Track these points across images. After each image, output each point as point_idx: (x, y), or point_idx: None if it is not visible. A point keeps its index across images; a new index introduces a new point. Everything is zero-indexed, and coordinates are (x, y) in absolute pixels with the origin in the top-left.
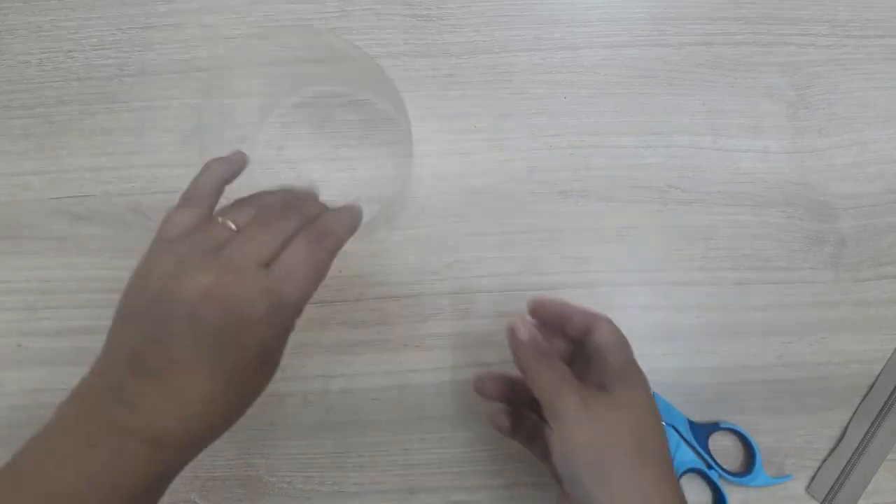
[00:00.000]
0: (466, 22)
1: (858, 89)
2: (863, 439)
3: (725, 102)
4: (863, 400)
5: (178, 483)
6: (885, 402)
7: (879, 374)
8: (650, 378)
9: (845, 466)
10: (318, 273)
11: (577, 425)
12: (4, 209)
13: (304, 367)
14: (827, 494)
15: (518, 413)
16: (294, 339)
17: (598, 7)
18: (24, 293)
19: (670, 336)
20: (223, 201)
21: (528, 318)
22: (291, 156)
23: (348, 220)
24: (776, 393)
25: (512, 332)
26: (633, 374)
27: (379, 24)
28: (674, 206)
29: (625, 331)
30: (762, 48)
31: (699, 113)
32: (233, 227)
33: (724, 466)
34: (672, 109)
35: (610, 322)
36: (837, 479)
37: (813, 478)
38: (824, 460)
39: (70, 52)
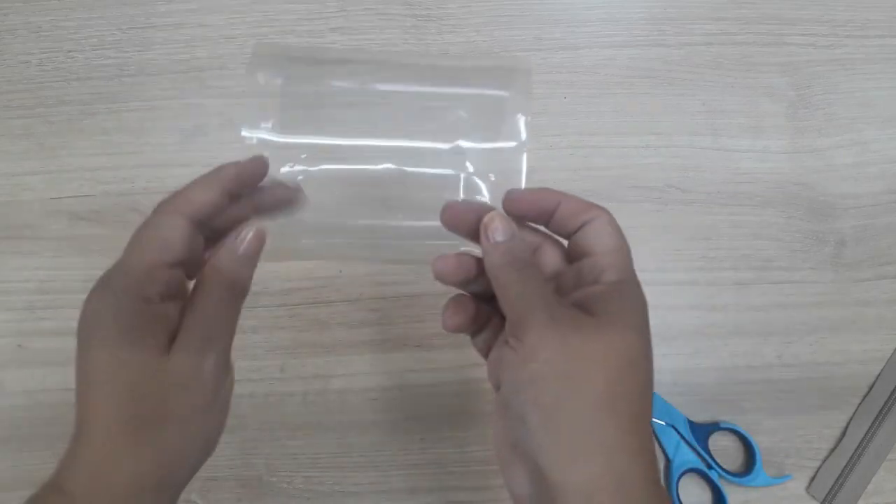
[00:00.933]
0: (466, 22)
1: (858, 89)
2: (863, 439)
3: (725, 102)
4: (863, 400)
5: None
6: (885, 402)
7: (879, 374)
8: None
9: (845, 466)
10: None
11: (539, 352)
12: (4, 209)
13: (304, 367)
14: (827, 494)
15: (481, 310)
16: (294, 338)
17: (598, 7)
18: (24, 293)
19: (670, 336)
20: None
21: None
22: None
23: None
24: (776, 393)
25: (485, 231)
26: (627, 293)
27: (379, 24)
28: (674, 206)
29: None
30: (762, 48)
31: (699, 113)
32: None
33: (724, 466)
34: (672, 109)
35: (607, 216)
36: (837, 479)
37: (813, 478)
38: (824, 460)
39: (70, 52)
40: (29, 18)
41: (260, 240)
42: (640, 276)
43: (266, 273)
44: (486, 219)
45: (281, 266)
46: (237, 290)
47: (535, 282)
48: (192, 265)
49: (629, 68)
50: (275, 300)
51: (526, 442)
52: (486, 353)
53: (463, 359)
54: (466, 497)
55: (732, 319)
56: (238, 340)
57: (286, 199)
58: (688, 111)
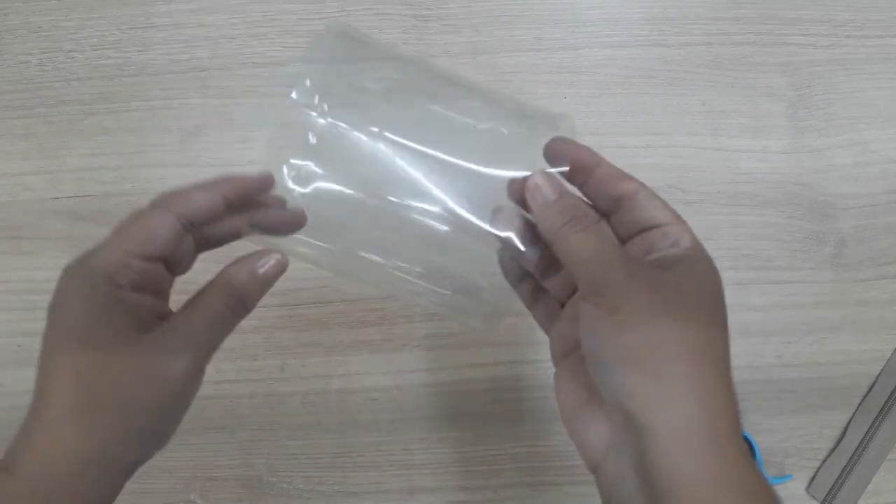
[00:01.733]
0: (466, 22)
1: (858, 89)
2: (863, 439)
3: (725, 102)
4: (863, 400)
5: (178, 483)
6: (885, 402)
7: (879, 375)
8: None
9: (845, 466)
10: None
11: (624, 304)
12: (4, 209)
13: (304, 367)
14: (827, 494)
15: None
16: (294, 338)
17: (598, 7)
18: (24, 293)
19: None
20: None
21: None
22: None
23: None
24: (776, 393)
25: (533, 191)
26: (704, 258)
27: (379, 24)
28: (674, 205)
29: None
30: (762, 48)
31: (699, 113)
32: None
33: None
34: (672, 109)
35: (649, 189)
36: (837, 479)
37: (813, 478)
38: (824, 460)
39: (70, 52)
40: (29, 18)
41: (281, 268)
42: None
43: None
44: (529, 182)
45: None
46: (241, 308)
47: (603, 237)
48: (176, 264)
49: (629, 68)
50: (275, 300)
51: (614, 388)
52: (549, 327)
53: (463, 359)
54: (466, 497)
55: (732, 319)
56: (238, 340)
57: (286, 222)
58: (688, 111)
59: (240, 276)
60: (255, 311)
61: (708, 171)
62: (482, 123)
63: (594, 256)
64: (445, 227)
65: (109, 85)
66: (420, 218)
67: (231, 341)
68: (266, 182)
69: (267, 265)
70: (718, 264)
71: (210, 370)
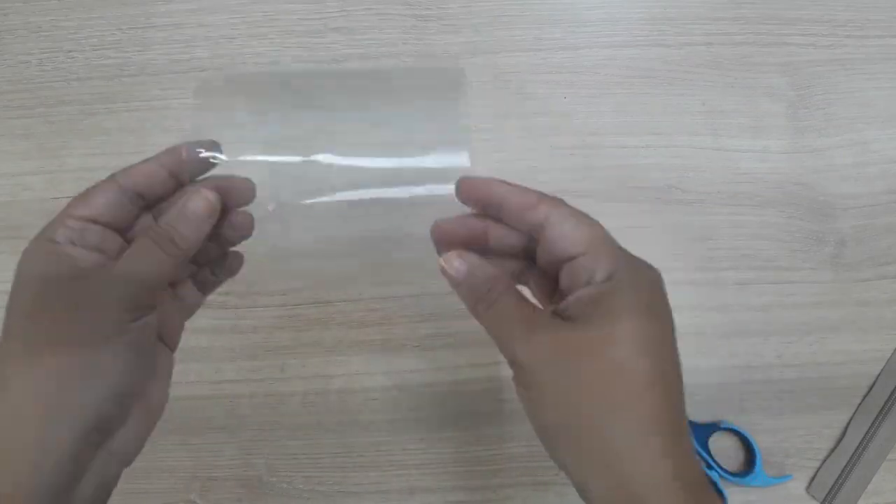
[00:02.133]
0: (466, 22)
1: (858, 89)
2: (863, 439)
3: (725, 102)
4: (863, 400)
5: (178, 483)
6: (885, 402)
7: (879, 375)
8: None
9: (845, 466)
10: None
11: (533, 379)
12: (4, 209)
13: (304, 367)
14: (827, 494)
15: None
16: (294, 338)
17: (598, 7)
18: None
19: None
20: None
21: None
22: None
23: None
24: (776, 393)
25: (444, 273)
26: (623, 280)
27: (379, 24)
28: (674, 206)
29: None
30: (762, 48)
31: (699, 113)
32: None
33: (725, 466)
34: (672, 109)
35: (562, 208)
36: (837, 479)
37: (813, 478)
38: (824, 460)
39: (70, 52)
40: (29, 18)
41: (209, 205)
42: None
43: (267, 272)
44: (440, 261)
45: (281, 266)
46: (171, 246)
47: (507, 312)
48: (126, 229)
49: (629, 68)
50: (275, 300)
51: (553, 458)
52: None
53: (463, 359)
54: (466, 497)
55: (732, 319)
56: (238, 340)
57: (246, 225)
58: (688, 111)
59: (169, 214)
60: (256, 311)
61: (708, 171)
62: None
63: (500, 335)
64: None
65: (109, 85)
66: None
67: (231, 341)
68: (204, 146)
69: (194, 200)
70: (718, 264)
71: (210, 370)
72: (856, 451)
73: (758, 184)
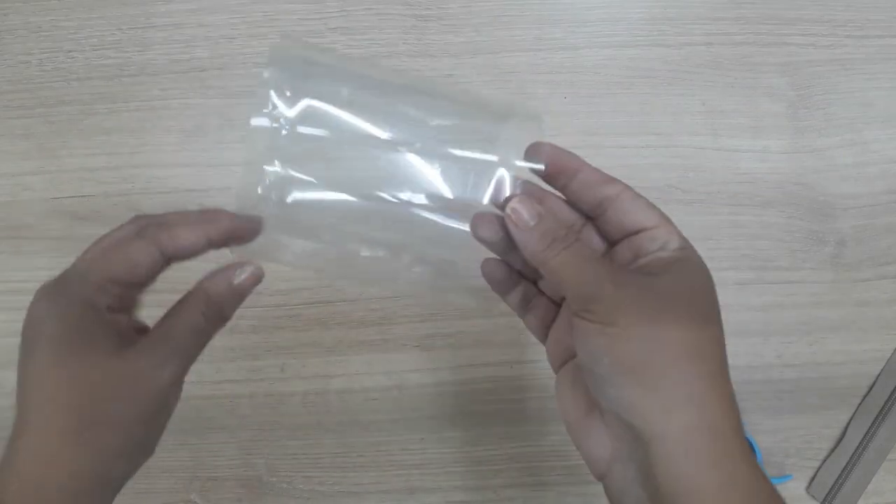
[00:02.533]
0: (466, 22)
1: (858, 89)
2: (863, 439)
3: (725, 102)
4: (863, 400)
5: (178, 483)
6: (885, 402)
7: (879, 375)
8: None
9: (845, 466)
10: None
11: (616, 317)
12: (4, 209)
13: (304, 367)
14: (827, 494)
15: (515, 271)
16: (294, 338)
17: (598, 7)
18: (25, 293)
19: None
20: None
21: (528, 178)
22: None
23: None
24: (776, 393)
25: (512, 220)
26: (694, 260)
27: (379, 24)
28: (674, 206)
29: None
30: (762, 48)
31: (699, 113)
32: None
33: None
34: (672, 109)
35: (633, 191)
36: (837, 479)
37: (813, 478)
38: (824, 460)
39: (70, 52)
40: (29, 18)
41: (256, 279)
42: None
43: (266, 273)
44: (508, 208)
45: (281, 266)
46: (219, 318)
47: (586, 253)
48: (148, 284)
49: (629, 68)
50: (275, 300)
51: (613, 402)
52: (543, 335)
53: (463, 359)
54: (466, 497)
55: (732, 319)
56: (238, 340)
57: (247, 231)
58: (688, 111)
59: (217, 287)
60: (256, 311)
61: (708, 171)
62: (448, 119)
63: (579, 274)
64: (428, 215)
65: (109, 85)
66: (402, 209)
67: (231, 341)
68: (255, 226)
69: (243, 276)
70: (718, 264)
71: (210, 370)
72: (856, 451)
73: (758, 184)
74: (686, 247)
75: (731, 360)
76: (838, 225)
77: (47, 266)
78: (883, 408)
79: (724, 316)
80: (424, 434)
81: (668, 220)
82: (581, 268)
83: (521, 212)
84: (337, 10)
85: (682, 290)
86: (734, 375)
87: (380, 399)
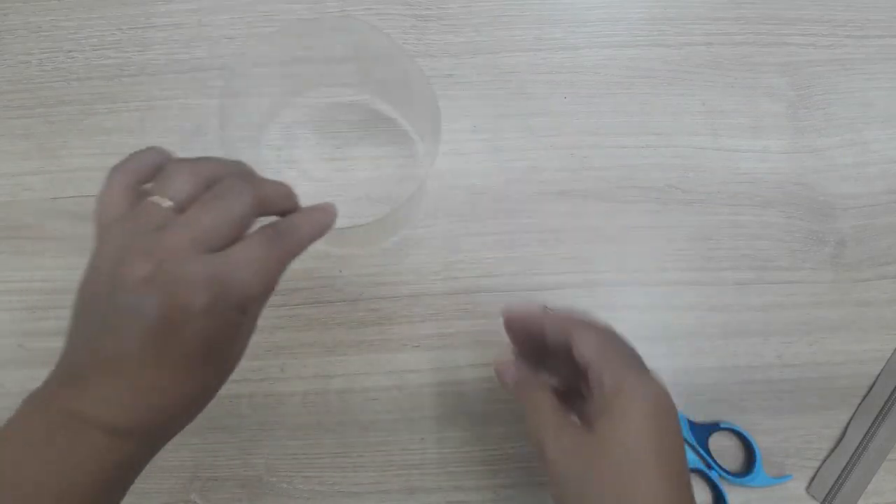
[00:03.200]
0: (466, 22)
1: (858, 89)
2: (863, 439)
3: (725, 102)
4: (863, 400)
5: (177, 483)
6: (885, 402)
7: (879, 375)
8: None
9: (845, 466)
10: (270, 274)
11: (556, 467)
12: (4, 209)
13: (304, 367)
14: (827, 494)
15: (531, 371)
16: (294, 338)
17: (598, 7)
18: (24, 293)
19: (670, 336)
20: None
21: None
22: (294, 155)
23: (318, 221)
24: (776, 393)
25: (499, 377)
26: (626, 391)
27: (379, 25)
28: (674, 206)
29: (625, 332)
30: (762, 48)
31: (699, 113)
32: (165, 204)
33: (724, 466)
34: (672, 109)
35: (587, 330)
36: (837, 479)
37: (813, 478)
38: (824, 460)
39: (70, 52)
40: (29, 18)
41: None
42: (641, 276)
43: None
44: (496, 366)
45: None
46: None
47: (543, 410)
48: None
49: (629, 68)
50: (275, 300)
51: None
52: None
53: (463, 359)
54: (466, 497)
55: (732, 319)
56: None
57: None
58: (688, 111)
59: (298, 221)
60: None
61: (708, 171)
62: None
63: (534, 429)
64: None
65: (109, 85)
66: None
67: None
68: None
69: (329, 213)
70: (718, 264)
71: None
72: (856, 451)
73: (758, 184)
74: (620, 386)
75: (731, 360)
76: (838, 225)
77: (47, 266)
78: (883, 408)
79: (724, 316)
80: (424, 434)
81: (601, 356)
82: (537, 429)
83: (503, 372)
84: (337, 10)
85: (613, 441)
86: (734, 375)
87: (380, 399)
